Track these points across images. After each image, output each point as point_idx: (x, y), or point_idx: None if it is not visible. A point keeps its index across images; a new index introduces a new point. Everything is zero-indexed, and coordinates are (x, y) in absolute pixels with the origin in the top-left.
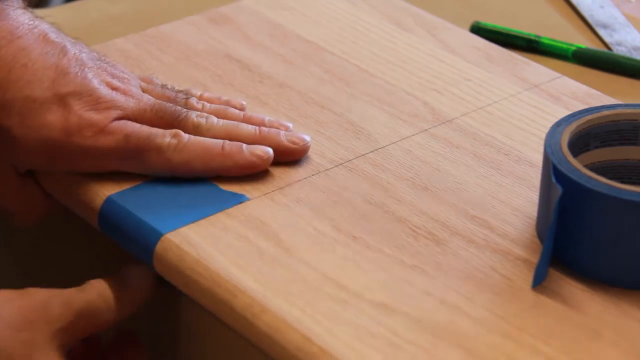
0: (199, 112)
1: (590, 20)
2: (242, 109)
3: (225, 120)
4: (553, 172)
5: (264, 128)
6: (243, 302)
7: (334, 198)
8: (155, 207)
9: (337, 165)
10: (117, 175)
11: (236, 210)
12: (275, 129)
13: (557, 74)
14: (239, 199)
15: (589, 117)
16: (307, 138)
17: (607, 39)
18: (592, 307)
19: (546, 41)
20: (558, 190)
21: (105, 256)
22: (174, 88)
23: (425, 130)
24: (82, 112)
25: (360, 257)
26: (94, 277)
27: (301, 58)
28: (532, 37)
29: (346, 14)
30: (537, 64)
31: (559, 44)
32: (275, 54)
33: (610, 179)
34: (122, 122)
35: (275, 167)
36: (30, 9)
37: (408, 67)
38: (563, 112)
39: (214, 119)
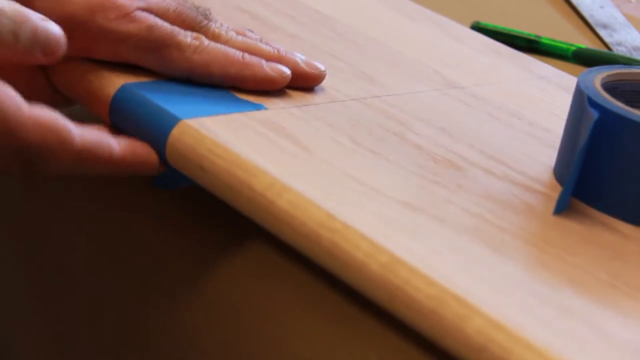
0: (219, 25)
1: (590, 20)
2: None
3: (244, 37)
4: (588, 102)
5: (282, 50)
6: (264, 181)
7: (351, 122)
8: (173, 98)
9: (352, 99)
10: (133, 69)
11: (254, 114)
12: (293, 54)
13: (562, 72)
14: (257, 107)
15: (622, 70)
16: (323, 67)
17: (607, 39)
18: (614, 237)
19: (546, 41)
20: (592, 116)
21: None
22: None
23: (438, 89)
24: None
25: (381, 166)
26: (95, 277)
27: (312, 21)
28: (532, 37)
29: (356, 1)
30: (540, 62)
31: (559, 44)
32: (285, 14)
33: None
34: (147, 13)
35: (292, 90)
36: None
37: (418, 45)
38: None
39: (234, 33)
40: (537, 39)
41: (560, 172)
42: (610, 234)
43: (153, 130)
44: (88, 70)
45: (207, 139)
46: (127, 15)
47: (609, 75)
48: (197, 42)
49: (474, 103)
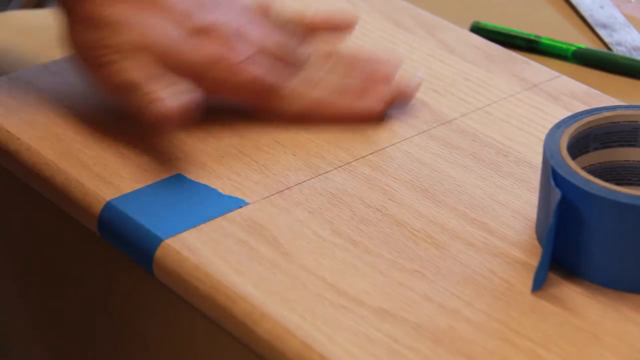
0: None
1: (590, 20)
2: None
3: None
4: (552, 176)
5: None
6: (243, 308)
7: (333, 201)
8: (154, 212)
9: (336, 168)
10: (117, 179)
11: (236, 214)
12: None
13: (556, 73)
14: (239, 204)
15: (589, 118)
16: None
17: (607, 39)
18: (591, 311)
19: (546, 41)
20: (557, 194)
21: (105, 258)
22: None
23: (425, 131)
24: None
25: (360, 262)
26: (92, 279)
27: None
28: (532, 37)
29: None
30: (536, 63)
31: (559, 44)
32: None
33: (610, 180)
34: (253, 63)
35: (275, 170)
36: None
37: (407, 68)
38: (562, 112)
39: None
40: (536, 39)
41: (539, 233)
42: (588, 312)
43: (138, 251)
44: (74, 187)
45: (188, 262)
46: (235, 66)
47: (577, 128)
48: (294, 94)
49: (460, 143)
